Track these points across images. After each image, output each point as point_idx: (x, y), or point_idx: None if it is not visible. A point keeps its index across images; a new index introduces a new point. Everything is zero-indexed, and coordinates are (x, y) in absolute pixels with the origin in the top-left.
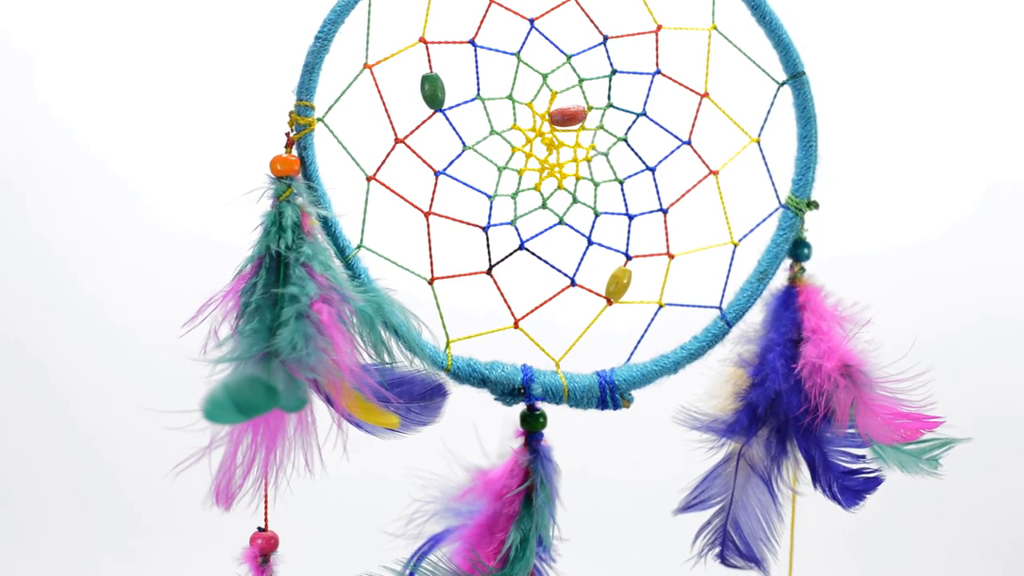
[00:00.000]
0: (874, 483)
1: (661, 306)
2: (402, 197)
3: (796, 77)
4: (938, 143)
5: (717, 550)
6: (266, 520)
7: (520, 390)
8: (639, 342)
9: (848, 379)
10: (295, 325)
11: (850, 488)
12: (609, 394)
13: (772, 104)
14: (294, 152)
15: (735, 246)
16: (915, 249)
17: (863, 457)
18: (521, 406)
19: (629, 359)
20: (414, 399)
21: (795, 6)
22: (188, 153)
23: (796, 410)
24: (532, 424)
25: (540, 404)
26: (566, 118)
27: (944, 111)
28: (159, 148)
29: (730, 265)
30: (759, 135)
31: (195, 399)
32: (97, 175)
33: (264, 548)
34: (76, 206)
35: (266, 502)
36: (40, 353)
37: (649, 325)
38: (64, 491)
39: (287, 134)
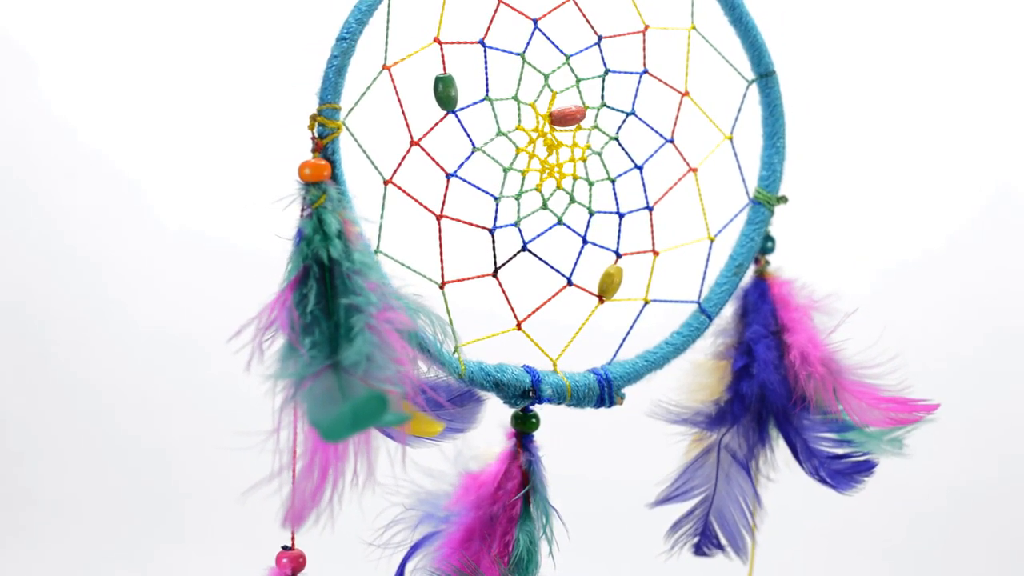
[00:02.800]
0: (865, 466)
1: (646, 302)
2: (417, 200)
3: (765, 76)
4: (940, 148)
5: (695, 540)
6: (293, 539)
7: (530, 392)
8: (625, 339)
9: (824, 366)
10: (365, 337)
11: (840, 472)
12: (607, 392)
13: (742, 102)
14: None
15: (711, 241)
16: (904, 252)
17: (849, 442)
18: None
19: (615, 356)
20: (441, 406)
21: (793, 7)
22: (192, 152)
23: (783, 399)
24: (527, 425)
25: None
26: (566, 118)
27: (944, 115)
28: (163, 146)
29: (707, 260)
30: (731, 132)
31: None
32: (102, 174)
33: (293, 568)
34: (83, 205)
35: (294, 525)
36: (55, 349)
37: (635, 322)
38: (75, 493)
39: (313, 138)
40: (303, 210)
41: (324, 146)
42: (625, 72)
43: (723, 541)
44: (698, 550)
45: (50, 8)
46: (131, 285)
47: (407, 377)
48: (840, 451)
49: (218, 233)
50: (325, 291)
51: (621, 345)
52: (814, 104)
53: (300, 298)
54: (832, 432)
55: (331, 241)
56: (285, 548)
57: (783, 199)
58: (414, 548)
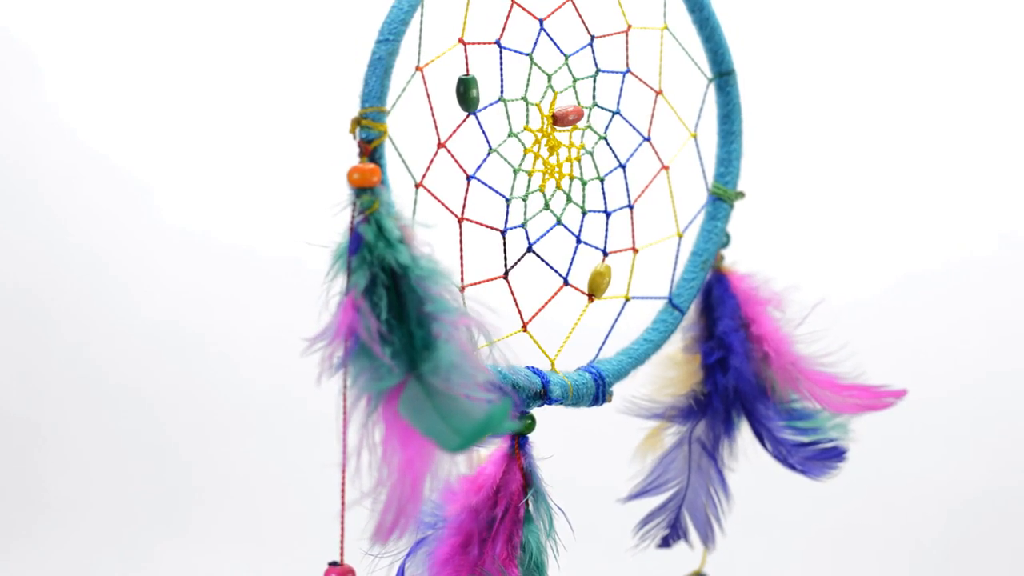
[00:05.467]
0: (834, 453)
1: (627, 300)
2: (441, 203)
3: (725, 75)
4: (913, 146)
5: (665, 533)
6: (342, 553)
7: (541, 393)
8: (608, 336)
9: (793, 357)
10: (450, 346)
11: (809, 459)
12: (601, 389)
13: (703, 100)
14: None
15: (680, 237)
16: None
17: (814, 430)
18: None
19: (598, 354)
20: None
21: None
22: (197, 152)
23: (756, 389)
24: (526, 427)
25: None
26: (568, 119)
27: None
28: (168, 147)
29: (676, 255)
30: (695, 130)
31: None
32: (108, 174)
33: None
34: (89, 205)
35: (342, 533)
36: (60, 347)
37: (617, 319)
38: (80, 493)
39: (359, 142)
40: (354, 216)
41: (372, 150)
42: (612, 72)
43: (692, 532)
44: (664, 542)
45: (55, 8)
46: (136, 283)
47: (491, 383)
48: (806, 439)
49: (223, 233)
50: (397, 300)
51: (604, 343)
52: (782, 102)
53: (372, 306)
54: (784, 420)
55: (395, 247)
56: (333, 564)
57: (741, 194)
58: (409, 555)
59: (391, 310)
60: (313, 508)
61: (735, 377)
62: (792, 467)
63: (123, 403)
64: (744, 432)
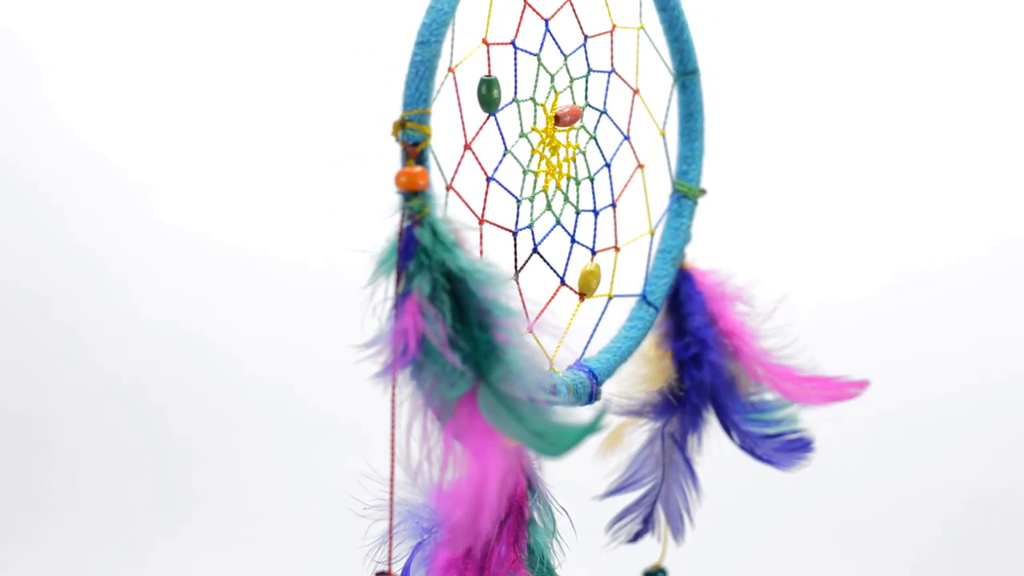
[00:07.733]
0: (800, 444)
1: (610, 298)
2: (466, 204)
3: (689, 74)
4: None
5: (639, 528)
6: (390, 563)
7: (551, 393)
8: (592, 335)
9: (759, 351)
10: (516, 352)
11: (778, 450)
12: (595, 388)
13: (670, 99)
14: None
15: (652, 235)
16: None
17: (778, 422)
18: None
19: (584, 353)
20: None
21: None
22: (197, 153)
23: (727, 384)
24: None
25: None
26: (568, 118)
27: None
28: (169, 148)
29: (649, 253)
30: (663, 127)
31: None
32: (109, 175)
33: None
34: (89, 205)
35: (390, 543)
36: (61, 347)
37: (601, 318)
38: (81, 493)
39: (405, 144)
40: (403, 220)
41: (419, 153)
42: (600, 71)
43: (663, 526)
44: (635, 537)
45: (55, 8)
46: (136, 283)
47: (553, 386)
48: (771, 431)
49: (223, 233)
50: (458, 305)
51: (589, 341)
52: (747, 100)
53: (436, 313)
54: (745, 413)
55: (453, 251)
56: (381, 574)
57: (703, 191)
58: (410, 560)
59: (455, 315)
60: (314, 508)
61: (710, 372)
62: (760, 458)
63: (123, 403)
64: (714, 426)
